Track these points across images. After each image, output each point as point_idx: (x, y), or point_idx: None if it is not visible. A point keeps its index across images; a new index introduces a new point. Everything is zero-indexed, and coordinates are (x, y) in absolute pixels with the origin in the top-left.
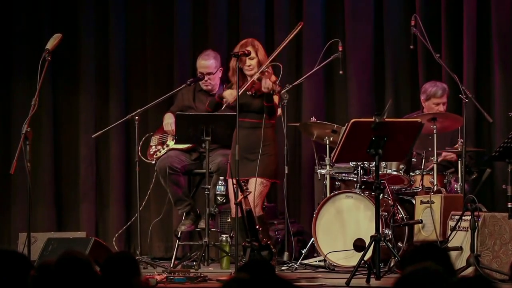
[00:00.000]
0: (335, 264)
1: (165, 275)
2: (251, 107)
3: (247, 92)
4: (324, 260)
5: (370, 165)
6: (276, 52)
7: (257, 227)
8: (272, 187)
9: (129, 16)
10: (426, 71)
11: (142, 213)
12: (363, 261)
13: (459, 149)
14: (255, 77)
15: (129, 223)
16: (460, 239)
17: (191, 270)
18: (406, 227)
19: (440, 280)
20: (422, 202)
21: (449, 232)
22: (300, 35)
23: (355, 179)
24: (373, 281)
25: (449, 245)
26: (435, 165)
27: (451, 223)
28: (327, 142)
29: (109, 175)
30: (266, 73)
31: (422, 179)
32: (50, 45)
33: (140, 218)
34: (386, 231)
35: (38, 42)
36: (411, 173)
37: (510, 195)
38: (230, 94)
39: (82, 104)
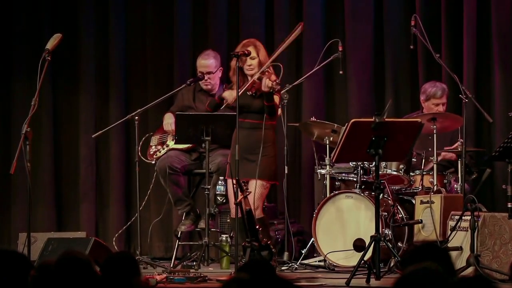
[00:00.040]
0: (335, 264)
1: (165, 275)
2: (251, 107)
3: (248, 92)
4: (324, 260)
5: (370, 165)
6: (277, 53)
7: (257, 227)
8: (272, 187)
9: (129, 16)
10: (426, 71)
11: (142, 213)
12: (363, 261)
13: (459, 149)
14: (255, 77)
15: (129, 223)
16: (460, 239)
17: (191, 270)
18: (406, 227)
19: (440, 280)
20: (422, 202)
21: (449, 232)
22: (300, 35)
23: (355, 179)
24: (373, 281)
25: (449, 245)
26: (435, 165)
27: (451, 223)
28: (327, 142)
29: (109, 175)
30: (266, 73)
31: (422, 179)
32: (50, 45)
33: (140, 218)
34: (386, 231)
35: (38, 42)
36: (411, 173)
37: (510, 195)
38: (230, 95)
39: (82, 104)
